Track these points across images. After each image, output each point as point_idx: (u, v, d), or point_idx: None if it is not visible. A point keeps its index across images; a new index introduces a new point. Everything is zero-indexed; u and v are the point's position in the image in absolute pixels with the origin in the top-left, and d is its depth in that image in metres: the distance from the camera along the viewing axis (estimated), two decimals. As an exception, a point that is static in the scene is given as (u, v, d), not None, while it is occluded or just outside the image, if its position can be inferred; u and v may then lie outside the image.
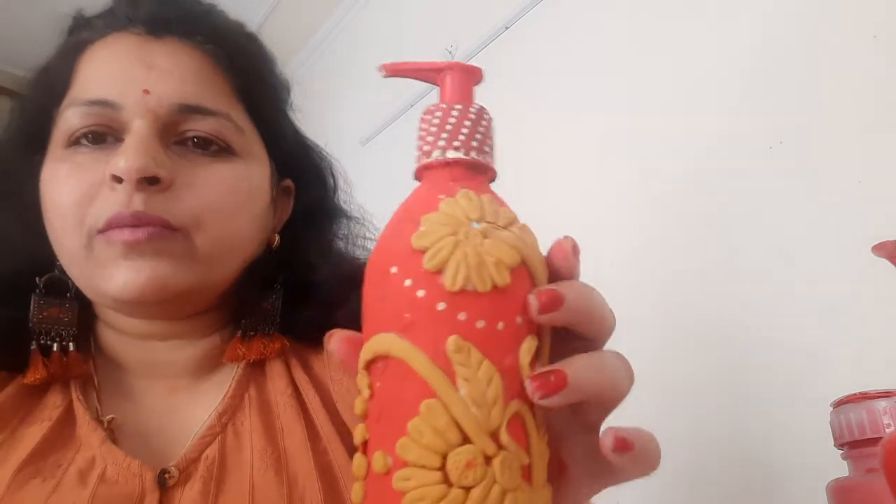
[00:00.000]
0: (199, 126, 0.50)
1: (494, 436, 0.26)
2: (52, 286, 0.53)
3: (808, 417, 0.56)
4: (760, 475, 0.71)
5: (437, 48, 1.29)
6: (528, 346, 0.28)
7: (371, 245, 0.62)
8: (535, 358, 0.28)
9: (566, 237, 0.30)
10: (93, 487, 0.45)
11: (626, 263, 0.88)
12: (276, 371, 0.55)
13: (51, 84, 0.52)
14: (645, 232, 0.88)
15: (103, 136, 0.49)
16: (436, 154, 0.30)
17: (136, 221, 0.46)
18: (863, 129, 0.68)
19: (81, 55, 0.52)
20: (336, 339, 0.31)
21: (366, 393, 0.29)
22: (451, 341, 0.26)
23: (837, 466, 0.46)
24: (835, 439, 0.46)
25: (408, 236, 0.28)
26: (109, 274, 0.47)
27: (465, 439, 0.26)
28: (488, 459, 0.26)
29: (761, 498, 0.71)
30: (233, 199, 0.51)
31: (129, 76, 0.49)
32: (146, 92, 0.49)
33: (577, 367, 0.27)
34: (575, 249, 0.30)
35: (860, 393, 0.45)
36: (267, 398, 0.54)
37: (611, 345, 0.30)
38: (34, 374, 0.50)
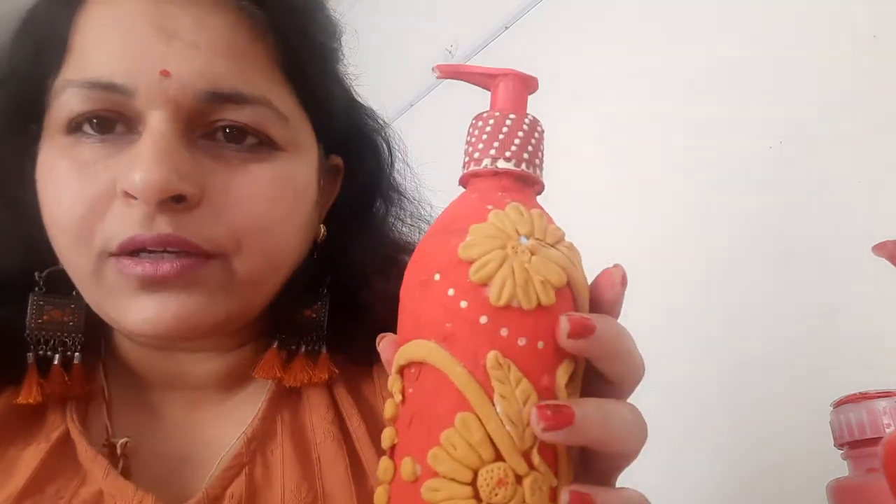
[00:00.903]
0: (233, 116, 0.40)
1: (526, 455, 0.26)
2: (55, 282, 0.44)
3: (808, 417, 0.56)
4: (760, 475, 0.71)
5: (437, 48, 1.29)
6: (565, 368, 0.27)
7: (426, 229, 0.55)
8: (571, 380, 0.28)
9: (616, 266, 0.30)
10: None
11: (622, 263, 0.88)
12: (314, 391, 0.47)
13: (42, 42, 0.41)
14: (643, 232, 0.88)
15: (111, 122, 0.39)
16: (486, 162, 0.30)
17: (163, 245, 0.38)
18: (863, 129, 0.68)
19: (80, 8, 0.41)
20: (386, 341, 0.30)
21: (397, 397, 0.28)
22: (492, 357, 0.26)
23: (837, 466, 0.46)
24: (835, 439, 0.46)
25: (454, 245, 0.27)
26: (125, 306, 0.39)
27: (498, 456, 0.26)
28: (519, 479, 0.26)
29: (761, 498, 0.70)
30: (277, 210, 0.42)
31: (143, 50, 0.39)
32: (165, 74, 0.38)
33: (585, 409, 0.26)
34: (624, 281, 0.29)
35: (860, 393, 0.45)
36: (302, 424, 0.46)
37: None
38: (27, 396, 0.42)
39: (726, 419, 0.75)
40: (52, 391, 0.43)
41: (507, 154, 0.30)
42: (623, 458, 0.29)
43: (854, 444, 0.44)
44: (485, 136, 0.30)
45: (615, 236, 0.91)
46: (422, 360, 0.27)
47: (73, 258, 0.40)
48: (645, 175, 0.89)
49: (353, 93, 0.52)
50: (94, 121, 0.40)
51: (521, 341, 0.26)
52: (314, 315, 0.47)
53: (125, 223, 0.38)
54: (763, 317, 0.73)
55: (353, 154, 0.51)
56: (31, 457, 0.41)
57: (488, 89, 0.32)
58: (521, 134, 0.30)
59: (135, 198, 0.37)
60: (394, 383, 0.29)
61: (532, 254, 0.27)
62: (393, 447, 0.28)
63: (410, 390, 0.28)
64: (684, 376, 0.78)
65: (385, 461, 0.29)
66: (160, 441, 0.45)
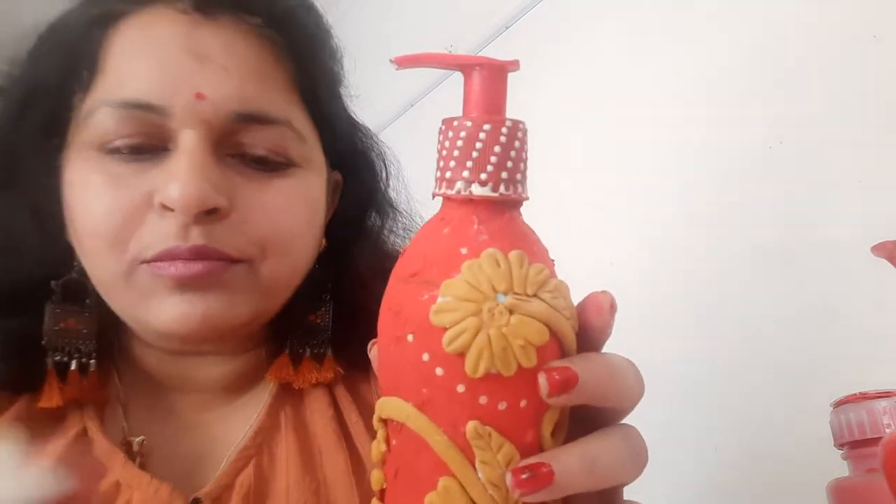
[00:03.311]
0: (258, 138, 0.43)
1: None
2: (69, 291, 0.46)
3: (808, 417, 0.56)
4: (761, 475, 0.71)
5: (437, 48, 1.29)
6: (549, 417, 0.26)
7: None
8: (557, 427, 0.27)
9: (604, 292, 0.28)
10: None
11: (624, 263, 0.88)
12: (315, 390, 0.50)
13: (69, 58, 0.43)
14: (644, 232, 0.88)
15: (144, 146, 0.42)
16: (459, 186, 0.26)
17: (196, 257, 0.40)
18: (863, 129, 0.68)
19: (111, 29, 0.42)
20: (376, 351, 0.30)
21: (382, 445, 0.28)
22: (471, 427, 0.25)
23: (837, 466, 0.46)
24: (835, 439, 0.46)
25: (426, 304, 0.25)
26: (156, 307, 0.41)
27: None
28: None
29: (761, 498, 0.70)
30: (298, 220, 0.45)
31: (178, 72, 0.41)
32: (200, 97, 0.41)
33: (567, 463, 0.25)
34: (612, 307, 0.27)
35: (860, 393, 0.45)
36: (304, 419, 0.49)
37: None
38: (49, 400, 0.44)
39: (726, 419, 0.75)
40: (71, 395, 0.45)
41: (483, 177, 0.26)
42: (620, 484, 0.28)
43: (854, 444, 0.44)
44: (456, 153, 0.27)
45: (615, 236, 0.91)
46: (402, 421, 0.26)
47: (105, 263, 0.42)
48: (644, 175, 0.89)
49: (352, 114, 0.56)
50: (129, 146, 0.41)
51: (502, 405, 0.25)
52: (319, 320, 0.50)
53: (161, 234, 0.40)
54: (763, 317, 0.73)
55: (352, 170, 0.54)
56: (50, 451, 0.43)
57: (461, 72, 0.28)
58: (497, 149, 0.26)
59: (172, 210, 0.40)
60: (378, 429, 0.28)
61: (511, 313, 0.25)
62: (382, 491, 0.28)
63: (394, 442, 0.27)
64: (684, 376, 0.78)
65: (375, 503, 0.28)
66: (173, 440, 0.47)
